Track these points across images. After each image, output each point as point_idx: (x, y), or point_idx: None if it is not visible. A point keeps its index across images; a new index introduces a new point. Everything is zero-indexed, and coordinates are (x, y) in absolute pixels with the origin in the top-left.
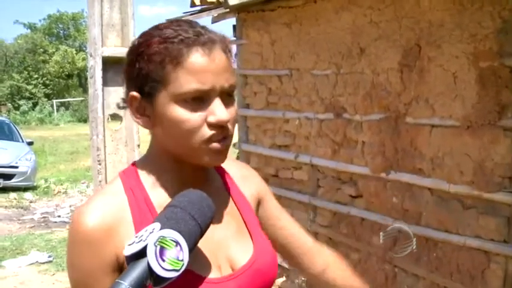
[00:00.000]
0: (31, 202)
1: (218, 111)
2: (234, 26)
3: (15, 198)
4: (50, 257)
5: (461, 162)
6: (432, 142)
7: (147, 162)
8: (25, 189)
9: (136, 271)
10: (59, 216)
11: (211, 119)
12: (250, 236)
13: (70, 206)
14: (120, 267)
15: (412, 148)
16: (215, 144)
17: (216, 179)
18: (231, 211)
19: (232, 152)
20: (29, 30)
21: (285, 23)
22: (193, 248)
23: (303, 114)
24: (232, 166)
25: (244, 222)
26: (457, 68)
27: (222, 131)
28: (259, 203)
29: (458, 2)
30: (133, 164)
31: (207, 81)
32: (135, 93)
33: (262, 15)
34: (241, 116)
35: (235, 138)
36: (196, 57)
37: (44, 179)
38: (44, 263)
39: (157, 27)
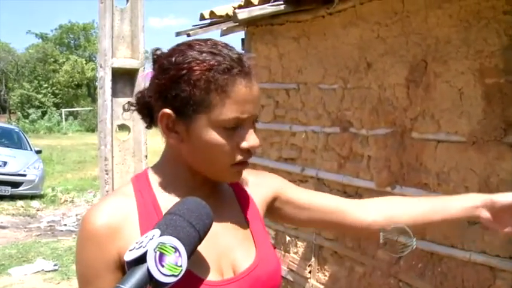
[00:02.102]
0: (38, 210)
1: (251, 138)
2: (242, 40)
3: (22, 206)
4: (55, 265)
5: (467, 178)
6: (438, 157)
7: (159, 169)
8: (32, 197)
9: (136, 276)
10: (65, 224)
11: (245, 145)
12: (255, 244)
13: (76, 215)
14: (122, 266)
15: (417, 163)
16: (240, 166)
17: (228, 189)
18: (238, 220)
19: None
20: (40, 40)
21: (293, 37)
22: (191, 254)
23: (310, 128)
24: (247, 175)
25: (251, 231)
26: (463, 84)
27: (249, 154)
28: (274, 200)
29: (465, 19)
30: (146, 170)
31: (246, 111)
32: (168, 111)
33: (271, 29)
34: None
35: None
36: (240, 88)
37: (51, 188)
38: (49, 271)
39: (191, 47)
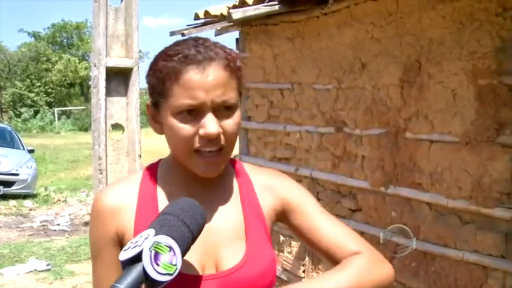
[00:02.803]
0: (30, 210)
1: (208, 125)
2: (237, 40)
3: (15, 206)
4: (48, 265)
5: (460, 178)
6: (431, 157)
7: (165, 163)
8: (25, 196)
9: (132, 275)
10: (58, 224)
11: (201, 131)
12: (246, 244)
13: (69, 215)
14: (121, 243)
15: (411, 163)
16: (208, 158)
17: (229, 187)
18: (234, 219)
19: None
20: (33, 39)
21: (288, 37)
22: (185, 253)
23: (304, 128)
24: (258, 174)
25: (246, 231)
26: (457, 85)
27: (212, 143)
28: (286, 212)
29: (458, 20)
30: (159, 160)
31: (198, 97)
32: (148, 102)
33: (265, 30)
34: (243, 129)
35: (236, 150)
36: (190, 75)
37: (44, 187)
38: (42, 271)
39: (173, 44)
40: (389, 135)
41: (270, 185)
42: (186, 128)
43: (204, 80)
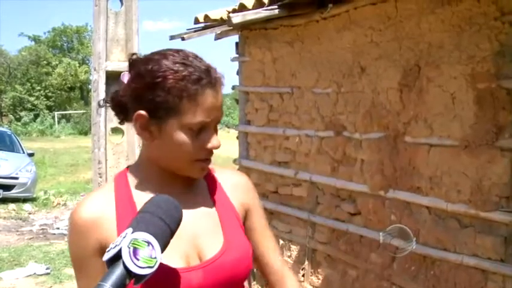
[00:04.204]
0: (30, 213)
1: (214, 140)
2: (236, 44)
3: (14, 209)
4: (47, 269)
5: (459, 182)
6: (430, 161)
7: (136, 168)
8: (24, 200)
9: (116, 272)
10: (58, 228)
11: (209, 145)
12: (223, 233)
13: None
14: (103, 252)
15: (410, 167)
16: (203, 164)
17: (201, 185)
18: (208, 212)
19: (233, 168)
20: (33, 43)
21: (287, 41)
22: (166, 246)
23: (303, 132)
24: (224, 174)
25: (220, 221)
26: (455, 89)
27: (211, 153)
28: (246, 213)
29: (457, 24)
30: (126, 168)
31: (210, 116)
32: (143, 113)
33: (265, 33)
34: (242, 132)
35: (235, 154)
36: (207, 97)
37: (44, 191)
38: (41, 275)
39: (166, 57)
40: (388, 139)
41: (239, 184)
42: (193, 142)
43: (216, 100)
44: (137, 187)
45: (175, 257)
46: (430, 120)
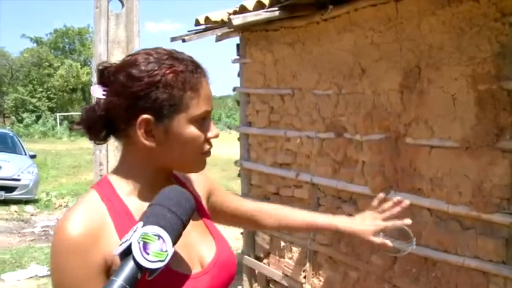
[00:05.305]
0: (32, 215)
1: (213, 127)
2: (237, 45)
3: (16, 211)
4: (49, 270)
5: (460, 183)
6: (431, 163)
7: (121, 175)
8: (26, 202)
9: (127, 267)
10: None
11: (211, 134)
12: (212, 235)
13: None
14: (108, 269)
15: (411, 168)
16: (206, 155)
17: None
18: (194, 215)
19: (234, 169)
20: (35, 44)
21: (288, 43)
22: (178, 238)
23: (304, 133)
24: (180, 174)
25: (205, 223)
26: (456, 90)
27: (211, 144)
28: (209, 195)
29: (458, 26)
30: (106, 177)
31: (211, 104)
32: (148, 116)
33: (266, 35)
34: (243, 134)
35: (236, 156)
36: (205, 86)
37: (46, 193)
38: (43, 276)
39: (150, 55)
40: (389, 141)
41: (196, 179)
42: (201, 134)
43: (210, 89)
44: (127, 194)
45: (186, 264)
46: (431, 122)
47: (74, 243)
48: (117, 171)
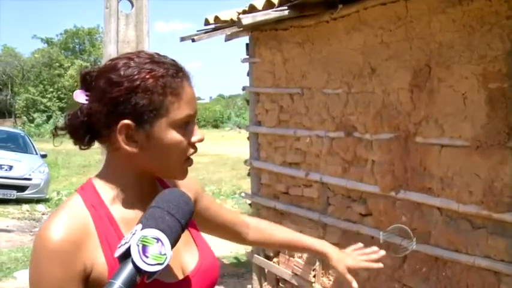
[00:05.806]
0: (43, 214)
1: (198, 131)
2: (247, 45)
3: (28, 210)
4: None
5: (471, 182)
6: (442, 162)
7: (106, 180)
8: (37, 201)
9: (126, 270)
10: None
11: (195, 139)
12: (195, 242)
13: None
14: (87, 277)
15: (421, 167)
16: (190, 162)
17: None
18: None
19: (244, 169)
20: (46, 45)
21: (297, 42)
22: (176, 241)
23: (314, 132)
24: (167, 180)
25: (189, 230)
26: (467, 89)
27: (196, 149)
28: (196, 201)
29: (468, 24)
30: (91, 181)
31: (194, 107)
32: (128, 121)
33: (275, 34)
34: (253, 133)
35: (246, 155)
36: (187, 89)
37: (57, 192)
38: None
39: (132, 59)
40: (399, 140)
41: (184, 184)
42: (184, 139)
43: (193, 92)
44: (112, 201)
45: (168, 272)
46: (441, 121)
47: (55, 250)
48: (101, 175)
